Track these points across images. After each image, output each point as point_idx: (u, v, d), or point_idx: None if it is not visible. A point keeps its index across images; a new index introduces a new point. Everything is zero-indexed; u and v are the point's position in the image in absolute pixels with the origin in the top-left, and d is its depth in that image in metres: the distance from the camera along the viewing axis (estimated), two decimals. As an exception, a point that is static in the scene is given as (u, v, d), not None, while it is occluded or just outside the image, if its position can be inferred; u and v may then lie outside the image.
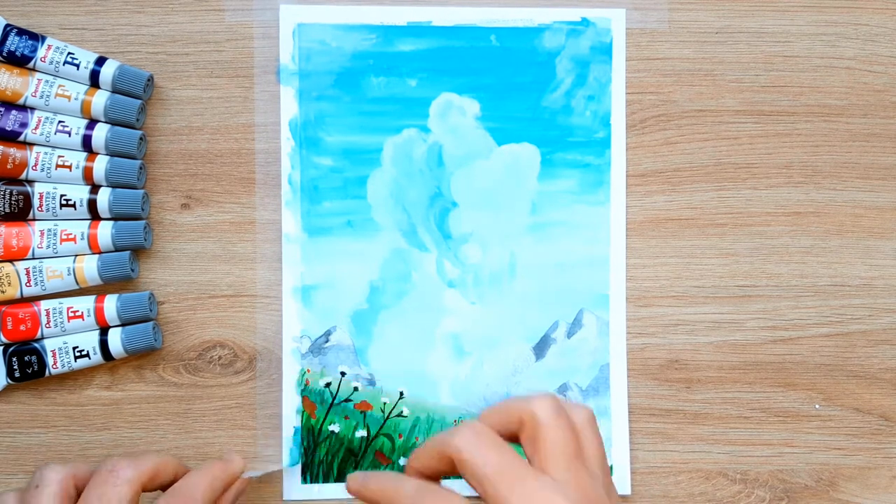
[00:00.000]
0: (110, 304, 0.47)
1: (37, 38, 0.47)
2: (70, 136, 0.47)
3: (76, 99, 0.47)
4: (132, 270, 0.48)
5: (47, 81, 0.47)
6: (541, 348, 0.49)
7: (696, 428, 0.49)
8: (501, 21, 0.49)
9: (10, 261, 0.47)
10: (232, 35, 0.49)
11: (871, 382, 0.50)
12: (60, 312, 0.47)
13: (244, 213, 0.49)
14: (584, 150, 0.49)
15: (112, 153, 0.47)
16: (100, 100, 0.47)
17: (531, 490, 0.38)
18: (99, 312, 0.47)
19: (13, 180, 0.47)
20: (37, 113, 0.47)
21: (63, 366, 0.47)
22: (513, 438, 0.40)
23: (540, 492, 0.37)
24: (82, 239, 0.47)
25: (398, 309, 0.49)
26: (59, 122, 0.47)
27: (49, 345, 0.47)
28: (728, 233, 0.50)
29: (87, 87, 0.48)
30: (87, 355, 0.47)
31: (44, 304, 0.47)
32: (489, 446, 0.38)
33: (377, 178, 0.49)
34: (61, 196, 0.47)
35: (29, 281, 0.47)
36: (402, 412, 0.49)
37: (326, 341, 0.49)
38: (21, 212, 0.47)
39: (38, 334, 0.47)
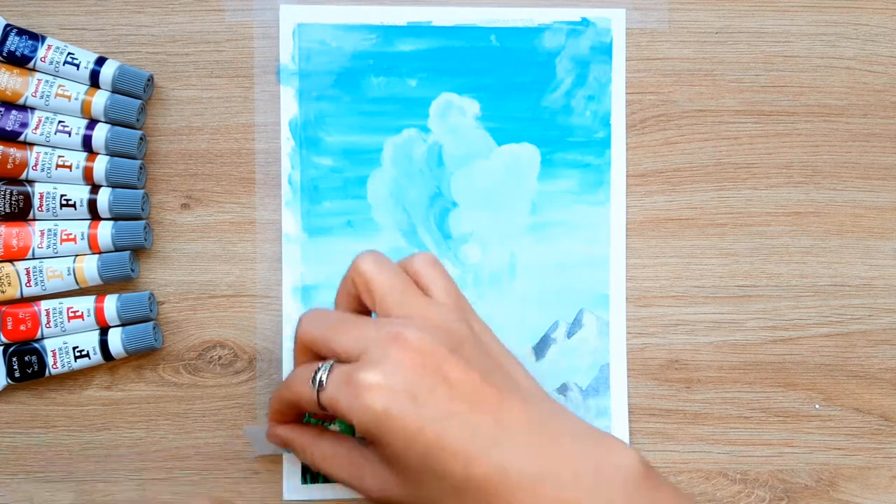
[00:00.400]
0: (110, 304, 0.47)
1: (37, 38, 0.47)
2: (70, 136, 0.47)
3: (76, 99, 0.47)
4: (132, 270, 0.48)
5: (47, 81, 0.47)
6: (541, 348, 0.49)
7: (696, 428, 0.49)
8: (501, 21, 0.49)
9: (10, 261, 0.47)
10: (232, 35, 0.49)
11: (871, 382, 0.50)
12: (60, 312, 0.47)
13: (244, 213, 0.49)
14: (584, 150, 0.49)
15: (112, 153, 0.47)
16: (100, 100, 0.47)
17: (372, 332, 0.40)
18: (99, 312, 0.47)
19: (13, 180, 0.47)
20: (37, 113, 0.47)
21: (63, 366, 0.47)
22: (364, 305, 0.42)
23: (381, 328, 0.40)
24: (82, 239, 0.47)
25: (398, 309, 0.49)
26: (60, 122, 0.47)
27: (49, 345, 0.47)
28: (728, 233, 0.50)
29: (87, 87, 0.48)
30: (87, 355, 0.47)
31: (44, 304, 0.47)
32: (321, 319, 0.42)
33: (377, 178, 0.49)
34: (61, 196, 0.47)
35: (29, 281, 0.47)
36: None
37: (326, 341, 0.49)
38: (21, 212, 0.47)
39: (38, 334, 0.47)
